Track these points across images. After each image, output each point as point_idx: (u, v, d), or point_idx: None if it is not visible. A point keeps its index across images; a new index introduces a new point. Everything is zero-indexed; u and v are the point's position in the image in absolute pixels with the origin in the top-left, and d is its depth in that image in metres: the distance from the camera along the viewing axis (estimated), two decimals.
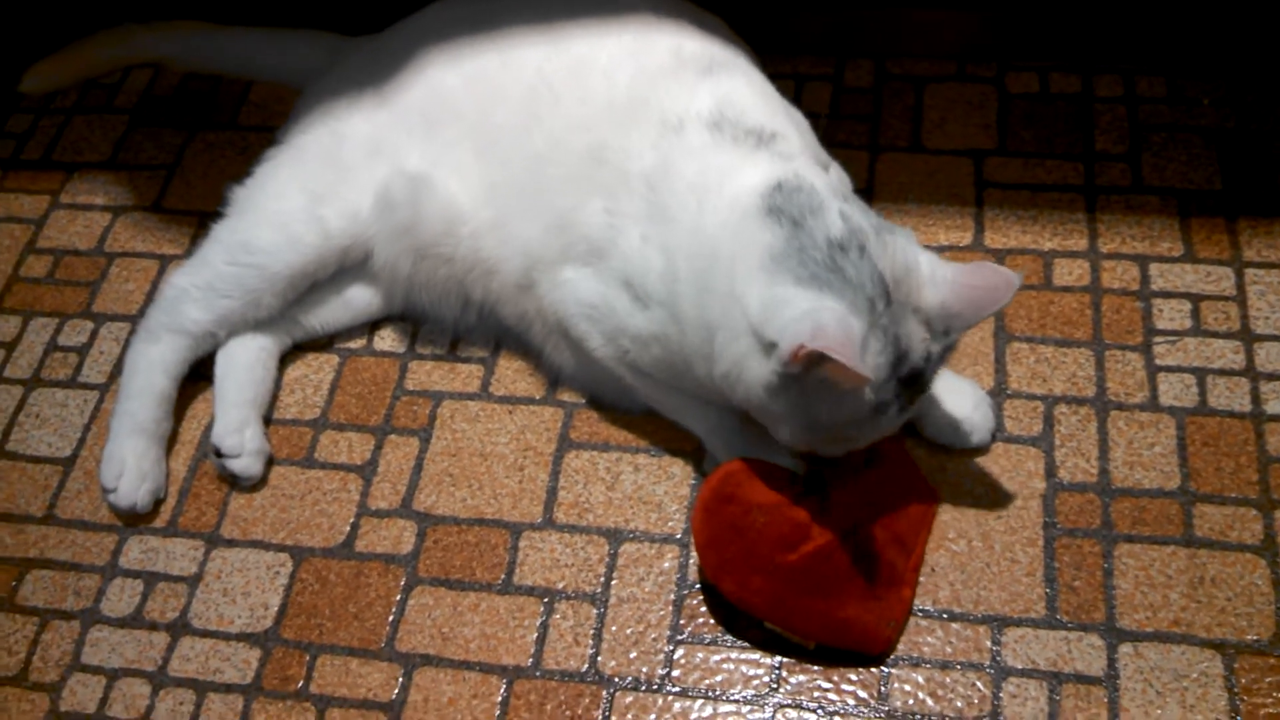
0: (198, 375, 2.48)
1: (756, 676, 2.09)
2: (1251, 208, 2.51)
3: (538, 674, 2.13)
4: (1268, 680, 2.00)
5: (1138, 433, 2.26)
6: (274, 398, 2.49)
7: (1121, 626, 2.07)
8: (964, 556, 2.16)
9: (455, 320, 2.49)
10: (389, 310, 2.55)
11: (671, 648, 2.13)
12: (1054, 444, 2.27)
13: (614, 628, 2.16)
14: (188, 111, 3.01)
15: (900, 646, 2.09)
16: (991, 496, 2.22)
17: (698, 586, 2.18)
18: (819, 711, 2.04)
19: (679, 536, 2.24)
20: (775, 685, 2.08)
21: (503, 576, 2.23)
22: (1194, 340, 2.35)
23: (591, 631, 2.16)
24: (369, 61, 2.53)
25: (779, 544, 2.05)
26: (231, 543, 2.33)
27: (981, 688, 2.04)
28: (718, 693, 2.08)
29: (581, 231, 2.19)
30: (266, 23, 2.93)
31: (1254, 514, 2.15)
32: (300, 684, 2.16)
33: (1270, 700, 1.98)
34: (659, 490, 2.29)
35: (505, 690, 2.12)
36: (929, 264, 1.93)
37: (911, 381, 1.91)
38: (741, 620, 2.13)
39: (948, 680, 2.05)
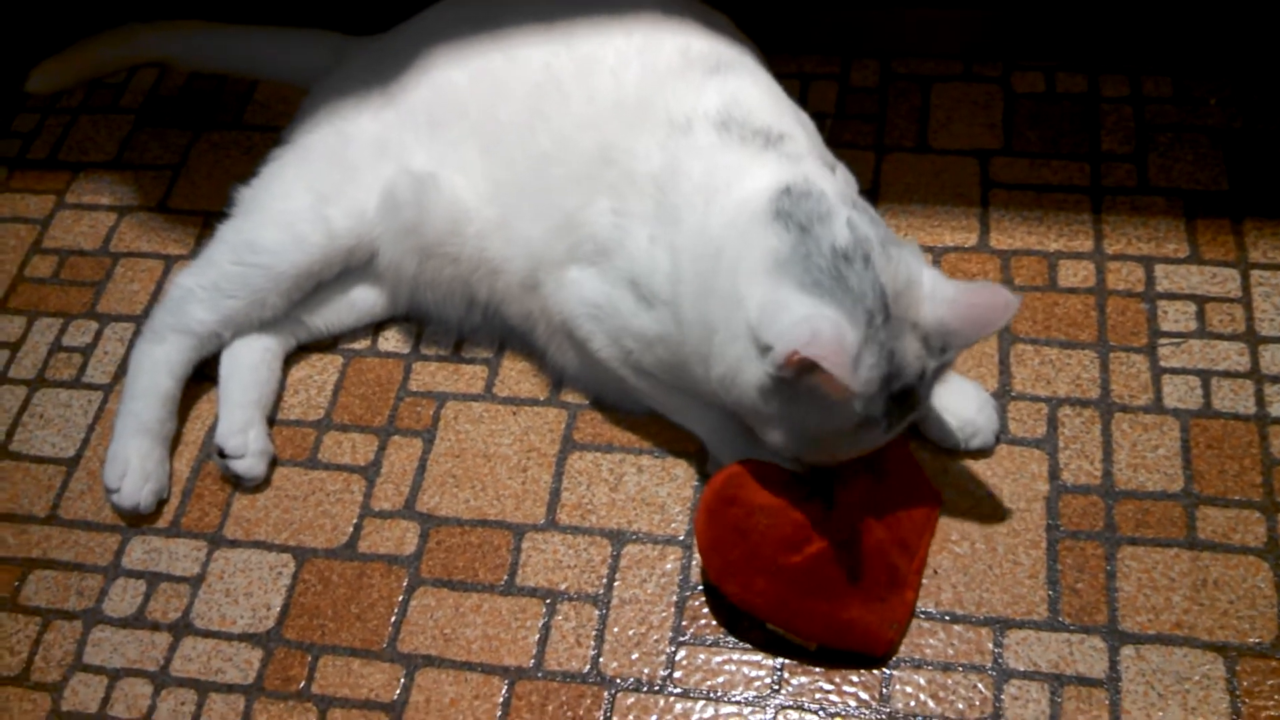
0: (201, 376, 2.48)
1: (758, 678, 2.09)
2: (1258, 209, 2.51)
3: (539, 675, 2.13)
4: (1270, 683, 1.99)
5: (1142, 435, 2.26)
6: (278, 398, 2.49)
7: (1124, 629, 2.06)
8: (967, 558, 2.16)
9: (460, 320, 2.49)
10: (394, 311, 2.55)
11: (673, 649, 2.13)
12: (1058, 446, 2.26)
13: (616, 629, 2.16)
14: (193, 111, 3.01)
15: (902, 648, 2.09)
16: (995, 498, 2.22)
17: (700, 588, 2.18)
18: (820, 713, 2.04)
19: (681, 538, 2.24)
20: (777, 687, 2.07)
21: (505, 577, 2.23)
22: (1199, 342, 2.35)
23: (593, 633, 2.16)
24: (375, 61, 2.53)
25: (782, 546, 2.04)
26: (234, 543, 2.33)
27: (983, 690, 2.03)
28: (719, 694, 2.08)
29: (588, 231, 2.18)
30: (271, 22, 2.93)
31: (1257, 516, 2.15)
32: (302, 684, 2.16)
33: (1272, 703, 1.98)
34: (662, 492, 2.29)
35: (507, 691, 2.12)
36: (931, 280, 1.92)
37: (902, 398, 1.91)
38: (743, 622, 2.12)
39: (949, 682, 2.05)
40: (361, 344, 2.55)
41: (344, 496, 2.36)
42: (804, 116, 2.27)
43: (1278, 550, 2.11)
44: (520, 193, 2.29)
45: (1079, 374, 2.33)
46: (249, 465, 2.37)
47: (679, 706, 2.07)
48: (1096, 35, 2.77)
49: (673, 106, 2.15)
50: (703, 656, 2.12)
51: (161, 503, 2.38)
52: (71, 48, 3.04)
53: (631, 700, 2.09)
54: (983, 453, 2.27)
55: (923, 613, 2.12)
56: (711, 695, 2.08)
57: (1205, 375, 2.31)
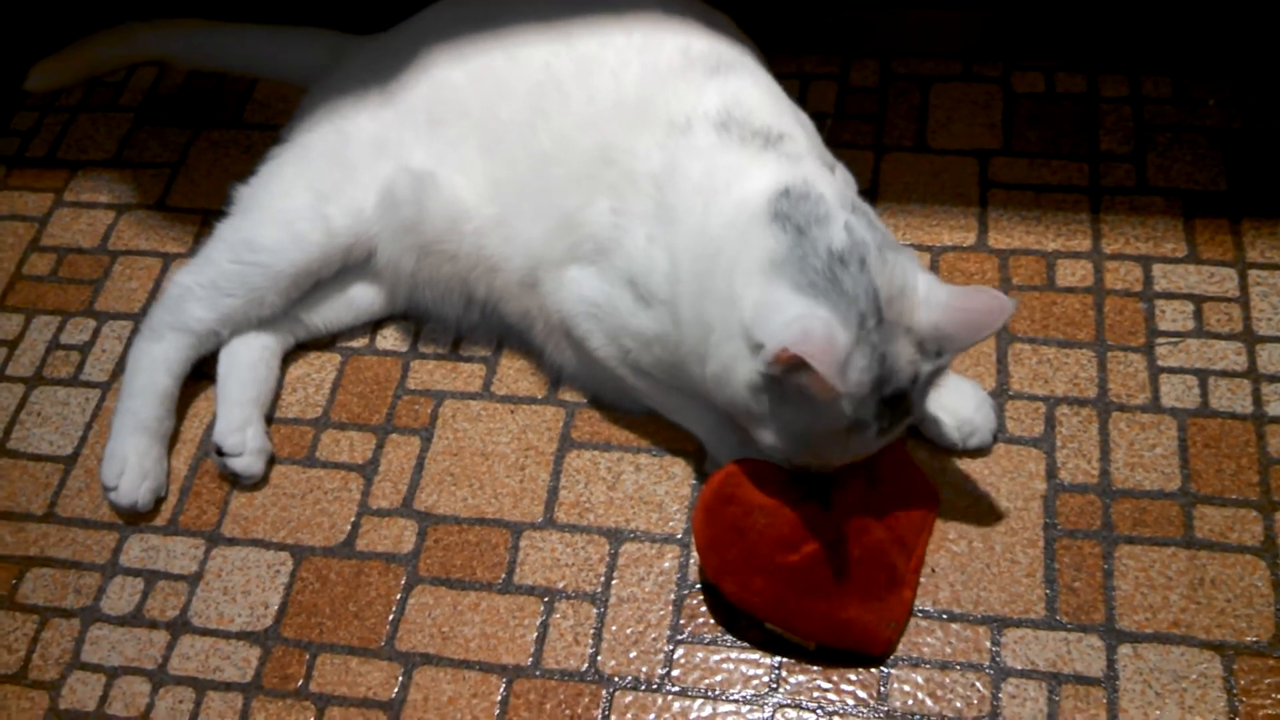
0: (199, 374, 2.48)
1: (756, 676, 2.09)
2: (1256, 209, 2.51)
3: (537, 673, 2.13)
4: (1267, 681, 2.00)
5: (1139, 434, 2.26)
6: (276, 396, 2.49)
7: (1121, 627, 2.06)
8: (964, 557, 2.16)
9: (458, 319, 2.49)
10: (392, 309, 2.55)
11: (671, 647, 2.13)
12: (1055, 445, 2.26)
13: (614, 627, 2.16)
14: (192, 110, 3.01)
15: (900, 647, 2.09)
16: (992, 497, 2.22)
17: (698, 586, 2.18)
18: (818, 711, 2.04)
19: (679, 536, 2.24)
20: (775, 685, 2.08)
21: (503, 576, 2.23)
22: (1196, 342, 2.35)
23: (591, 631, 2.16)
24: (374, 60, 2.53)
25: (780, 545, 2.04)
26: (232, 541, 2.33)
27: (981, 688, 2.03)
28: (717, 692, 2.08)
29: (587, 231, 2.19)
30: (270, 21, 2.93)
31: (1254, 515, 2.15)
32: (300, 683, 2.16)
33: (1269, 701, 1.98)
34: (660, 490, 2.29)
35: (505, 689, 2.12)
36: (925, 285, 1.92)
37: (894, 403, 1.91)
38: (741, 620, 2.12)
39: (947, 680, 2.05)
40: (360, 342, 2.55)
41: (342, 495, 2.36)
42: (804, 117, 2.27)
43: (1274, 549, 2.12)
44: (520, 192, 2.29)
45: (1077, 373, 2.33)
46: (247, 463, 2.37)
47: (677, 705, 2.07)
48: (1096, 35, 2.77)
49: (673, 106, 2.15)
50: (701, 655, 2.12)
51: (159, 501, 2.38)
52: (70, 46, 3.04)
53: (629, 699, 2.09)
54: (980, 452, 2.27)
55: (920, 611, 2.12)
56: (709, 694, 2.08)
57: (1203, 374, 2.31)
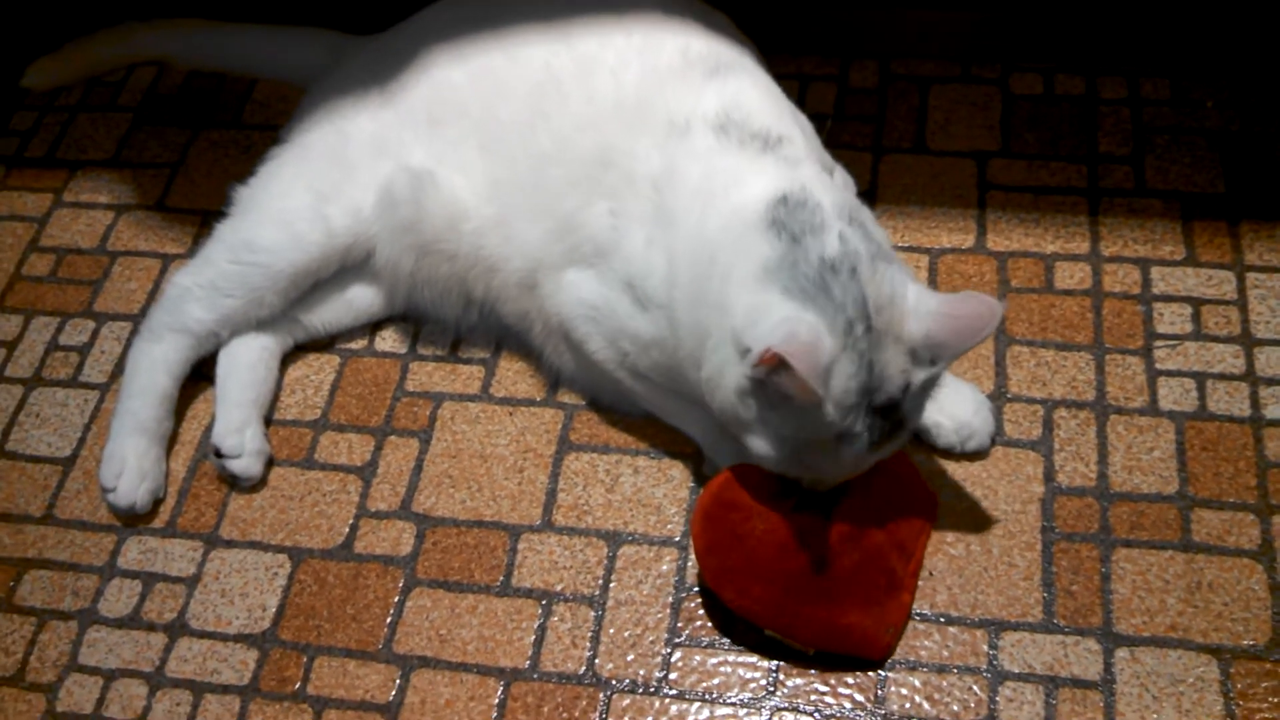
0: (198, 375, 2.48)
1: (754, 679, 2.09)
2: (1254, 211, 2.51)
3: (535, 676, 2.13)
4: (1263, 685, 2.00)
5: (1137, 437, 2.26)
6: (275, 398, 2.49)
7: (1118, 631, 2.06)
8: (962, 560, 2.16)
9: (456, 320, 2.49)
10: (391, 310, 2.55)
11: (669, 650, 2.13)
12: (1053, 448, 2.26)
13: (612, 630, 2.16)
14: (192, 110, 3.01)
15: (897, 650, 2.09)
16: (990, 500, 2.22)
17: (696, 589, 2.18)
18: (816, 715, 2.04)
19: (678, 539, 2.24)
20: (772, 688, 2.08)
21: (501, 578, 2.23)
22: (1194, 344, 2.35)
23: (589, 634, 2.16)
24: (374, 60, 2.53)
25: (779, 551, 2.04)
26: (230, 543, 2.33)
27: (978, 692, 2.04)
28: (715, 695, 2.08)
29: (586, 233, 2.19)
30: (270, 21, 2.93)
31: (1252, 519, 2.15)
32: (298, 685, 2.16)
33: (1266, 705, 1.98)
34: (658, 493, 2.29)
35: (502, 692, 2.12)
36: (915, 295, 1.92)
37: (886, 413, 1.90)
38: (739, 624, 2.12)
39: (944, 684, 2.05)
40: (358, 344, 2.56)
41: (340, 497, 2.36)
42: (802, 118, 2.27)
43: (1272, 553, 2.12)
44: (519, 192, 2.29)
45: (1074, 376, 2.34)
46: (245, 465, 2.37)
47: (674, 708, 2.07)
48: (1095, 37, 2.77)
49: (672, 108, 2.15)
50: (698, 658, 2.12)
51: (158, 502, 2.38)
52: (69, 45, 3.04)
53: (627, 702, 2.09)
54: (978, 455, 2.27)
55: (918, 614, 2.12)
56: (707, 697, 2.08)
57: (1200, 377, 2.31)
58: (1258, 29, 2.69)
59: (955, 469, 2.26)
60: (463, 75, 2.37)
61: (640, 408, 2.34)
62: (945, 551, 2.17)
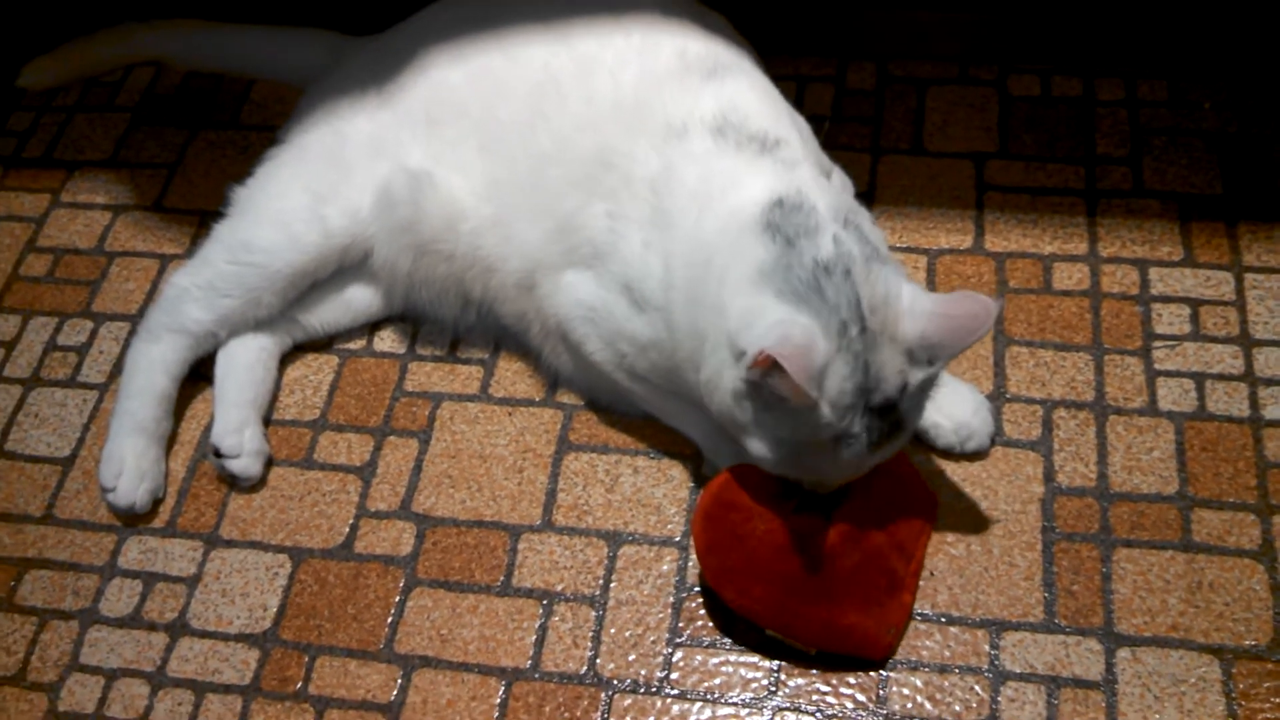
0: (197, 375, 2.48)
1: (755, 679, 2.09)
2: (1252, 212, 2.51)
3: (536, 676, 2.13)
4: (1265, 685, 2.00)
5: (1136, 437, 2.26)
6: (274, 398, 2.49)
7: (1119, 631, 2.07)
8: (963, 561, 2.16)
9: (455, 320, 2.49)
10: (389, 310, 2.55)
11: (670, 650, 2.13)
12: (1053, 448, 2.27)
13: (612, 630, 2.16)
14: (189, 110, 3.01)
15: (899, 650, 2.09)
16: (990, 501, 2.22)
17: (696, 589, 2.18)
18: (817, 715, 2.04)
19: (678, 539, 2.24)
20: (774, 688, 2.08)
21: (501, 578, 2.23)
22: (1193, 345, 2.35)
23: (590, 634, 2.16)
24: (372, 60, 2.53)
25: (780, 551, 2.04)
26: (230, 543, 2.33)
27: (980, 692, 2.04)
28: (716, 695, 2.08)
29: (584, 235, 2.19)
30: (268, 21, 2.93)
31: (1252, 519, 2.16)
32: (299, 685, 2.16)
33: (1268, 705, 1.98)
34: (658, 493, 2.30)
35: (504, 692, 2.12)
36: (910, 295, 1.92)
37: (884, 414, 1.90)
38: (740, 623, 2.12)
39: (946, 684, 2.05)
40: (357, 344, 2.56)
41: (340, 497, 2.36)
42: (800, 120, 2.27)
43: (1272, 552, 2.12)
44: (517, 193, 2.29)
45: (1074, 376, 2.34)
46: (244, 465, 2.37)
47: (676, 708, 2.08)
48: (1092, 39, 2.77)
49: (670, 110, 2.15)
50: (699, 658, 2.12)
51: (157, 502, 2.38)
52: (66, 45, 3.04)
53: (628, 701, 2.09)
54: (978, 455, 2.27)
55: (919, 615, 2.12)
56: (708, 697, 2.08)
57: (1199, 378, 2.32)
58: (1255, 31, 2.69)
59: (955, 469, 2.26)
60: (461, 76, 2.37)
61: (639, 408, 2.34)
62: (946, 552, 2.18)
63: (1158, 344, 2.36)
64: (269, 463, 2.41)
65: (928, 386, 1.95)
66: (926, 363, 1.90)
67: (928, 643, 2.09)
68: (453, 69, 2.38)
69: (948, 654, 2.08)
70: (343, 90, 2.51)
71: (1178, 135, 2.66)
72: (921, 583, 2.14)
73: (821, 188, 2.05)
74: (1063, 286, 2.46)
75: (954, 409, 2.26)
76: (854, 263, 1.90)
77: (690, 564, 2.21)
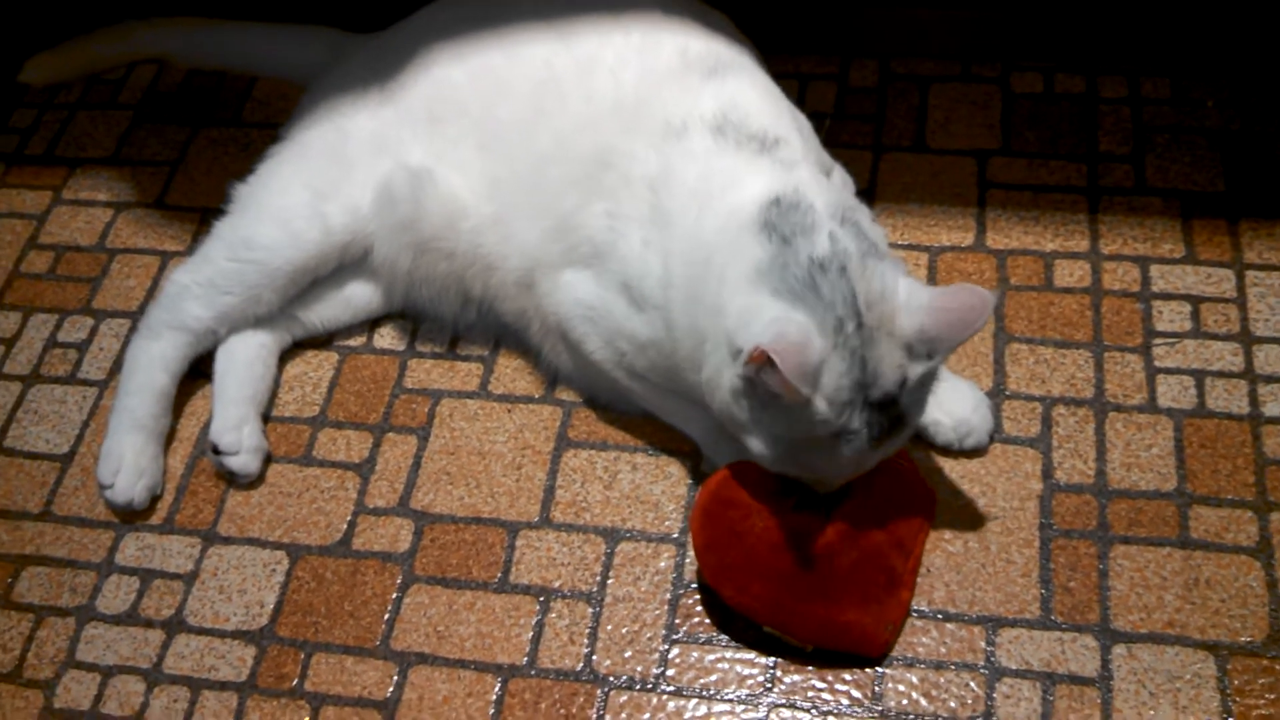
0: (196, 372, 2.49)
1: (751, 676, 2.09)
2: (1254, 210, 2.51)
3: (533, 673, 2.13)
4: (1260, 682, 1.99)
5: (1135, 434, 2.26)
6: (273, 395, 2.49)
7: (1116, 628, 2.06)
8: (960, 557, 2.16)
9: (455, 317, 2.49)
10: (389, 308, 2.56)
11: (667, 647, 2.13)
12: (1051, 445, 2.26)
13: (609, 627, 2.16)
14: (191, 108, 3.02)
15: (895, 647, 2.09)
16: (988, 498, 2.22)
17: (693, 586, 2.18)
18: (813, 711, 2.04)
19: (675, 536, 2.24)
20: (770, 685, 2.07)
21: (499, 575, 2.23)
22: (1193, 342, 2.35)
23: (587, 630, 2.16)
24: (374, 58, 2.53)
25: (779, 548, 2.04)
26: (228, 540, 2.33)
27: (975, 688, 2.03)
28: (712, 692, 2.08)
29: (584, 234, 2.18)
30: (270, 19, 2.93)
31: (1250, 516, 2.15)
32: (295, 682, 2.16)
33: (1263, 702, 1.98)
34: (656, 490, 2.29)
35: (500, 689, 2.12)
36: (906, 289, 1.91)
37: (884, 408, 1.90)
38: (737, 620, 2.12)
39: (942, 680, 2.05)
40: (357, 341, 2.56)
41: (338, 493, 2.36)
42: (801, 119, 2.27)
43: (1269, 549, 2.12)
44: (518, 191, 2.29)
45: (1073, 373, 2.33)
46: (243, 462, 2.37)
47: (672, 705, 2.07)
48: (1095, 36, 2.77)
49: (669, 109, 2.15)
50: (696, 654, 2.12)
51: (155, 499, 2.39)
52: (68, 42, 3.04)
53: (625, 698, 2.09)
54: (977, 452, 2.27)
55: (916, 611, 2.12)
56: (705, 693, 2.08)
57: (1199, 375, 2.31)
58: (1258, 28, 2.68)
59: (954, 466, 2.26)
60: (462, 74, 2.37)
61: (637, 406, 2.34)
62: (943, 548, 2.17)
63: (1158, 341, 2.36)
64: (268, 459, 2.41)
65: (928, 381, 1.95)
66: (926, 356, 1.90)
67: (924, 639, 2.09)
68: (454, 67, 2.38)
69: (944, 650, 2.07)
70: (344, 88, 2.51)
71: (1180, 133, 2.65)
72: (918, 579, 2.14)
73: (820, 186, 2.05)
74: (1064, 284, 2.45)
75: (954, 406, 2.26)
76: (850, 259, 1.89)
77: (688, 561, 2.20)
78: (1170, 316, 2.38)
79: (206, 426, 2.43)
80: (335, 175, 2.42)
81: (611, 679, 2.11)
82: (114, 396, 2.43)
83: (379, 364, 2.52)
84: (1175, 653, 2.03)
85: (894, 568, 2.09)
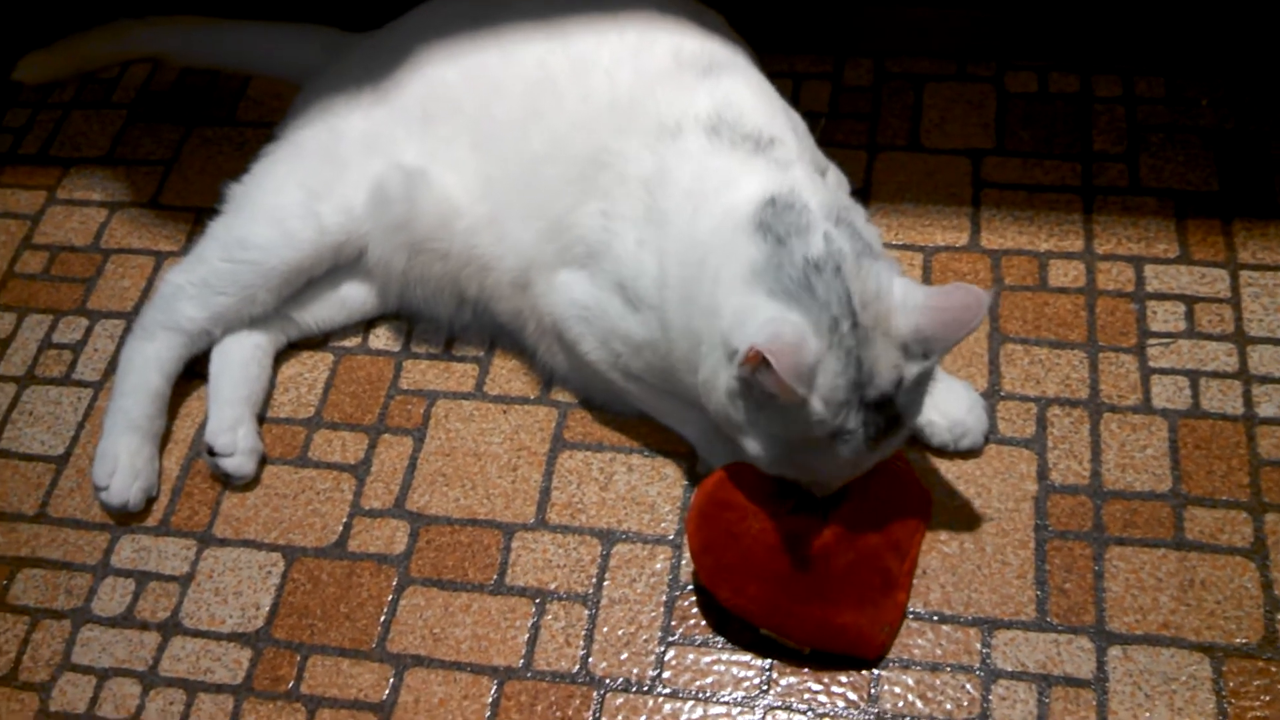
0: (191, 373, 2.48)
1: (747, 678, 2.09)
2: (1248, 210, 2.51)
3: (529, 675, 2.13)
4: (1256, 683, 2.00)
5: (1130, 435, 2.26)
6: (268, 396, 2.49)
7: (1111, 629, 2.06)
8: (955, 558, 2.16)
9: (450, 318, 2.49)
10: (384, 308, 2.55)
11: (663, 649, 2.13)
12: (1047, 446, 2.26)
13: (605, 629, 2.16)
14: (186, 107, 3.01)
15: (891, 649, 2.09)
16: (983, 499, 2.22)
17: (690, 588, 2.18)
18: (809, 713, 2.04)
19: (671, 537, 2.24)
20: (766, 687, 2.08)
21: (495, 577, 2.23)
22: (1188, 343, 2.35)
23: (583, 632, 2.16)
24: (368, 58, 2.52)
25: (775, 550, 2.04)
26: (224, 542, 2.33)
27: (971, 690, 2.04)
28: (708, 694, 2.08)
29: (578, 234, 2.18)
30: (264, 18, 2.92)
31: (1244, 517, 2.15)
32: (291, 684, 2.16)
33: (1258, 703, 1.98)
34: (652, 491, 2.29)
35: (496, 691, 2.12)
36: (902, 289, 1.91)
37: (881, 408, 1.90)
38: (733, 622, 2.12)
39: (937, 682, 2.05)
40: (352, 342, 2.55)
41: (334, 495, 2.36)
42: (796, 118, 2.27)
43: (1264, 551, 2.12)
44: (512, 191, 2.29)
45: (1068, 374, 2.34)
46: (238, 463, 2.37)
47: (668, 707, 2.07)
48: (1089, 35, 2.77)
49: (664, 109, 2.15)
50: (692, 656, 2.12)
51: (151, 501, 2.38)
52: (61, 41, 3.03)
53: (620, 700, 2.09)
54: (972, 453, 2.27)
55: (911, 613, 2.12)
56: (700, 696, 2.08)
57: (1194, 375, 2.31)
58: (1253, 28, 2.69)
59: (949, 467, 2.26)
60: (457, 73, 2.37)
61: (633, 407, 2.34)
62: (939, 550, 2.17)
63: (1153, 341, 2.36)
64: (263, 461, 2.41)
65: (924, 381, 1.95)
66: (921, 356, 1.90)
67: (919, 641, 2.09)
68: (448, 66, 2.38)
69: (939, 652, 2.08)
70: (338, 87, 2.51)
71: (1175, 132, 2.65)
72: (914, 580, 2.14)
73: (815, 186, 2.05)
74: (1058, 284, 2.45)
75: (949, 406, 2.26)
76: (845, 259, 1.89)
77: (683, 563, 2.21)
78: (1165, 317, 2.38)
79: (202, 428, 2.43)
80: (329, 175, 2.42)
81: (607, 681, 2.11)
82: (109, 398, 2.43)
83: (374, 365, 2.51)
84: (1171, 654, 2.03)
85: (890, 569, 2.09)
